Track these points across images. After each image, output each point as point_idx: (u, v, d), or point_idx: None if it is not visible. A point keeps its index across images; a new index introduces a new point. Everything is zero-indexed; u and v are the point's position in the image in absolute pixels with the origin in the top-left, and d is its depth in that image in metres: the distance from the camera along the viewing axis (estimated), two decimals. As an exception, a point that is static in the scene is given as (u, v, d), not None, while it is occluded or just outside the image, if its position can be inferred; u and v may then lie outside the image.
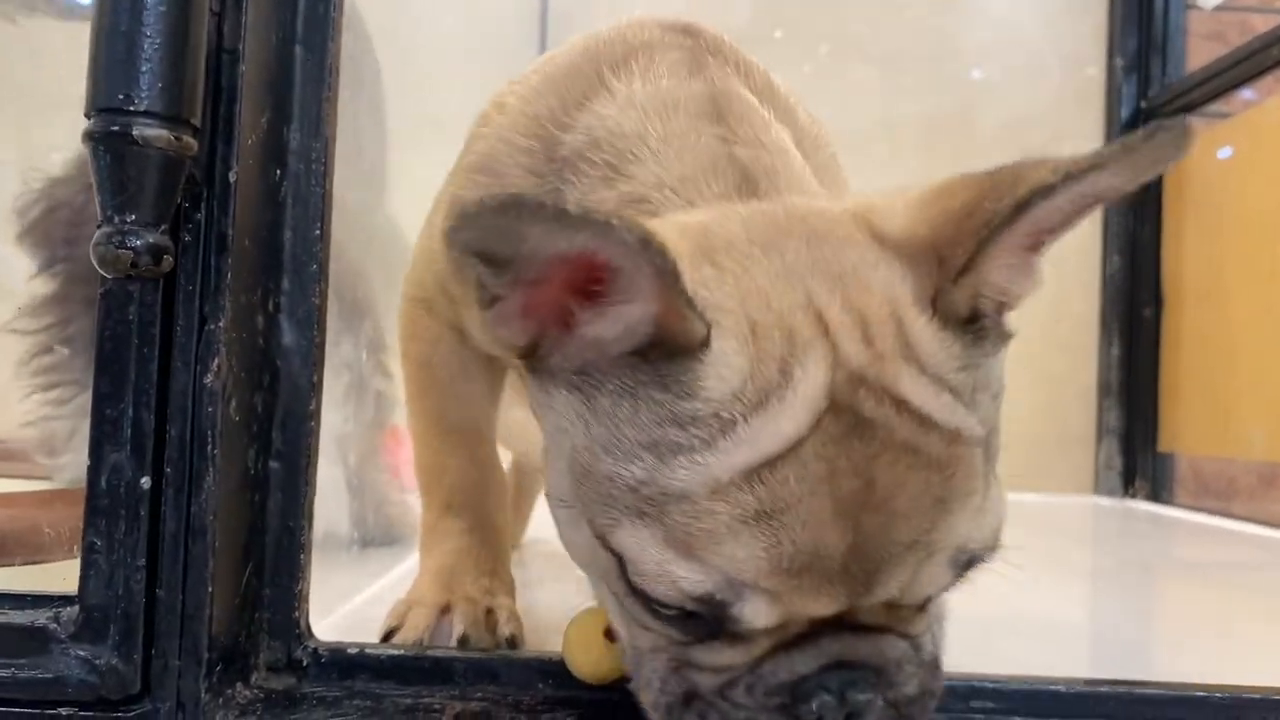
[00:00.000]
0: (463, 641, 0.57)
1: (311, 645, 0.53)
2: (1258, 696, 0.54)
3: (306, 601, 0.54)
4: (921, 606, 0.43)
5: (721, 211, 0.47)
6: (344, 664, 0.53)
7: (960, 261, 0.41)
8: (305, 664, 0.53)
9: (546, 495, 0.48)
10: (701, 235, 0.44)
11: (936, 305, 0.42)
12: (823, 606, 0.41)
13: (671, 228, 0.44)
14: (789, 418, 0.39)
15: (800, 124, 0.61)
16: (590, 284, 0.40)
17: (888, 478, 0.40)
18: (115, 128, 0.44)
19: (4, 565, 0.62)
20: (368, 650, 0.54)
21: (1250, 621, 0.95)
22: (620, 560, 0.42)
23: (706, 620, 0.41)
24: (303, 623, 0.54)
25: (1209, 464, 1.94)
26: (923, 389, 0.41)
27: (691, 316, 0.40)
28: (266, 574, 0.53)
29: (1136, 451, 1.87)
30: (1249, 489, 1.94)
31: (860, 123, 1.93)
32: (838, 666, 0.42)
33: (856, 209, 0.46)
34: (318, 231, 0.53)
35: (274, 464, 0.53)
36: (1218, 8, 1.83)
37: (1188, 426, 1.80)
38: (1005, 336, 0.46)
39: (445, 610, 0.59)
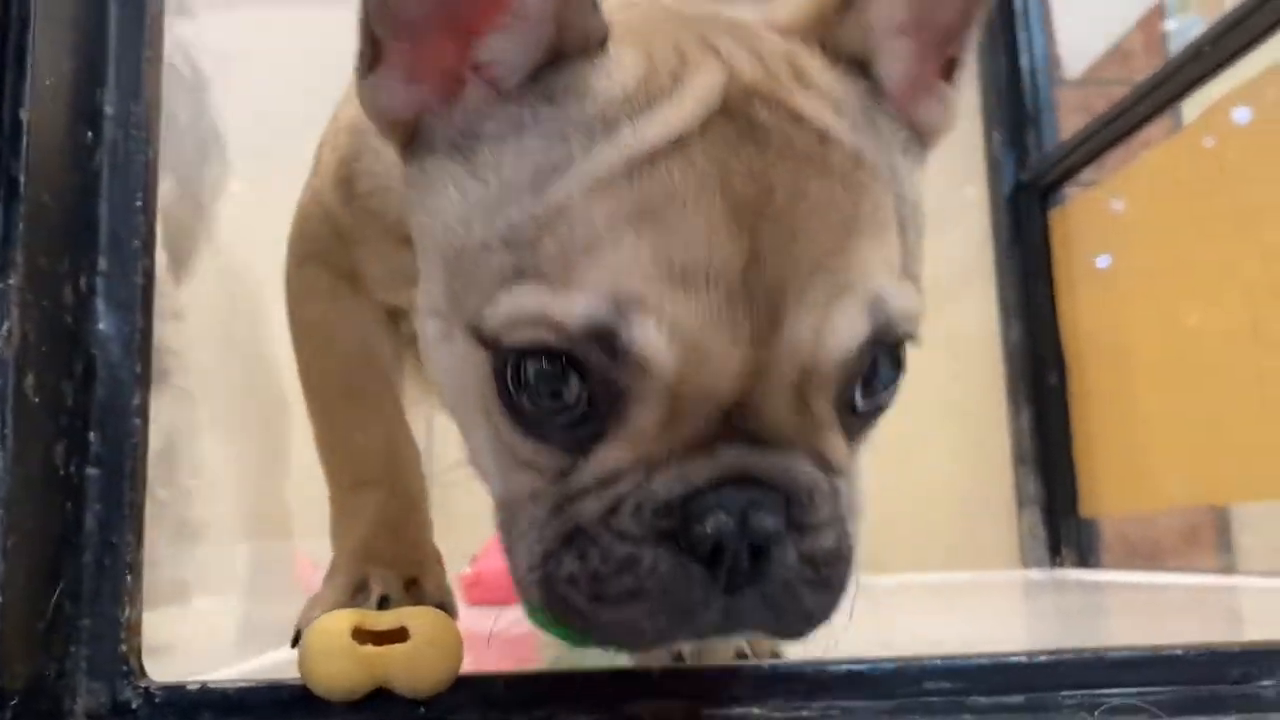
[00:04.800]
0: (383, 602, 0.49)
1: (143, 685, 0.44)
2: (1220, 651, 0.48)
3: (138, 633, 0.45)
4: (843, 399, 0.38)
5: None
6: (184, 704, 0.45)
7: None
8: (135, 706, 0.44)
9: (418, 315, 0.44)
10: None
11: (826, 44, 0.42)
12: (724, 341, 0.35)
13: None
14: (675, 113, 0.37)
15: None
16: (477, 20, 0.39)
17: (787, 184, 0.36)
18: None
19: None
20: (211, 685, 0.45)
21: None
22: (494, 361, 0.38)
23: (584, 380, 0.36)
24: (133, 659, 0.45)
25: (1132, 528, 1.92)
26: (818, 105, 0.39)
27: (592, 15, 0.39)
28: (84, 600, 0.44)
29: (1059, 519, 1.84)
30: (1173, 548, 1.92)
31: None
32: (738, 482, 0.35)
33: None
34: (139, 203, 0.47)
35: (91, 470, 0.45)
36: (1082, 80, 1.90)
37: (1107, 488, 1.79)
38: (920, 144, 0.45)
39: (360, 588, 0.51)
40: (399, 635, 0.43)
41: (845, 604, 0.40)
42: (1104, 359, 1.78)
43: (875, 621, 1.27)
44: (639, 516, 0.36)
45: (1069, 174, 1.86)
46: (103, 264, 0.46)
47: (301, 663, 0.43)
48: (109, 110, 0.47)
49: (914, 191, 0.44)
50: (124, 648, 0.44)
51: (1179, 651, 0.47)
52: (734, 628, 0.38)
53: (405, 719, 0.44)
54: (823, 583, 0.38)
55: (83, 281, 0.45)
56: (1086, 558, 1.83)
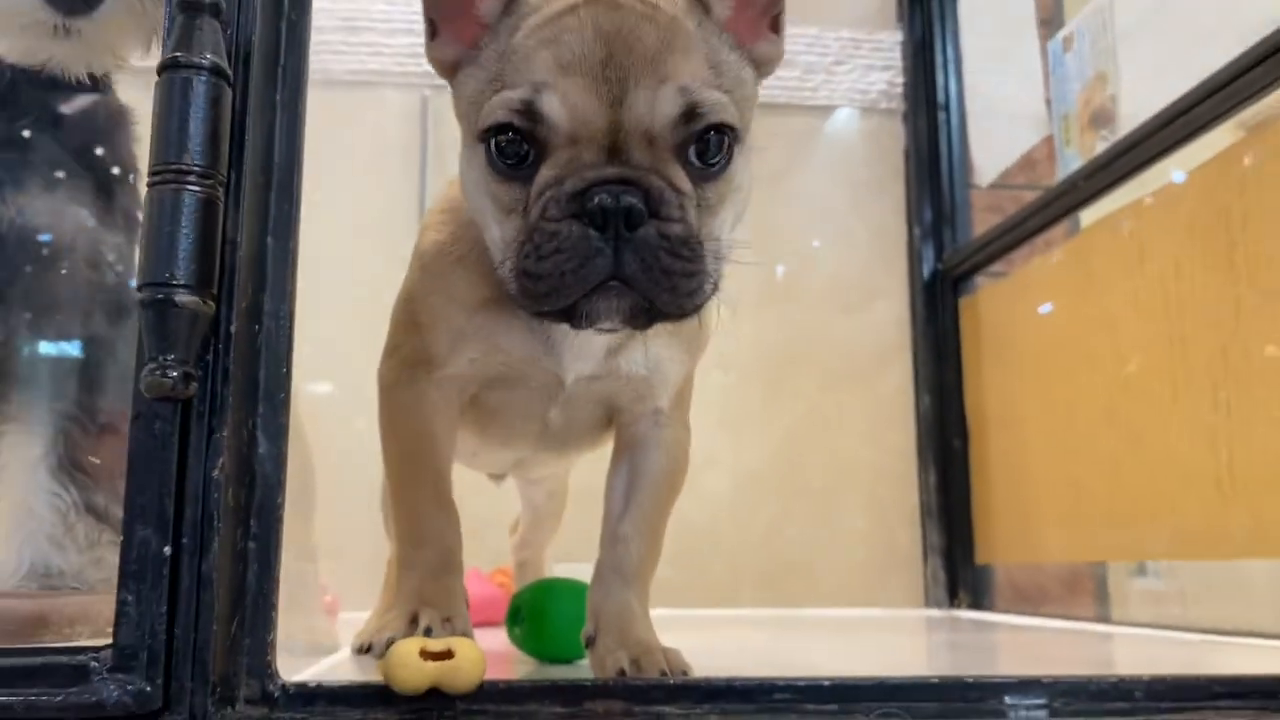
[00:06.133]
0: (427, 633, 0.76)
1: (280, 681, 0.70)
2: (965, 681, 0.75)
3: (275, 650, 0.71)
4: (688, 156, 0.68)
5: None
6: (306, 696, 0.70)
7: None
8: (276, 696, 0.69)
9: (460, 163, 0.77)
10: None
11: None
12: (596, 102, 0.65)
13: None
14: None
15: None
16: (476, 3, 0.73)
17: (631, 22, 0.67)
18: (160, 295, 0.63)
19: (26, 643, 0.77)
20: (324, 683, 0.71)
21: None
22: (487, 148, 0.69)
23: (529, 144, 0.67)
24: (273, 665, 0.70)
25: (1021, 575, 2.20)
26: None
27: None
28: (247, 627, 0.69)
29: (958, 566, 2.11)
30: (1057, 595, 2.20)
31: (704, 287, 2.21)
32: (615, 181, 0.64)
33: None
34: (284, 370, 0.72)
35: (252, 544, 0.70)
36: (992, 185, 2.19)
37: (999, 540, 2.06)
38: (747, 60, 0.74)
39: (414, 620, 0.77)
40: (447, 654, 0.69)
41: (710, 292, 0.68)
42: (999, 429, 2.05)
43: (795, 647, 1.52)
44: (558, 205, 0.65)
45: (977, 267, 2.14)
46: (262, 409, 0.71)
47: (386, 671, 0.69)
48: (267, 308, 0.73)
49: (740, 78, 0.73)
50: (269, 659, 0.70)
51: (935, 680, 0.74)
52: (624, 274, 0.65)
53: (447, 708, 0.70)
54: (681, 257, 0.65)
55: (250, 423, 0.71)
56: (980, 600, 2.09)
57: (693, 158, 0.68)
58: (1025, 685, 0.75)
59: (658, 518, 0.91)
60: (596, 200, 0.63)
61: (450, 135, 2.22)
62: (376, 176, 2.14)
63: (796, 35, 2.31)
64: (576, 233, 0.64)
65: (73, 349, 0.98)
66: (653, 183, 0.65)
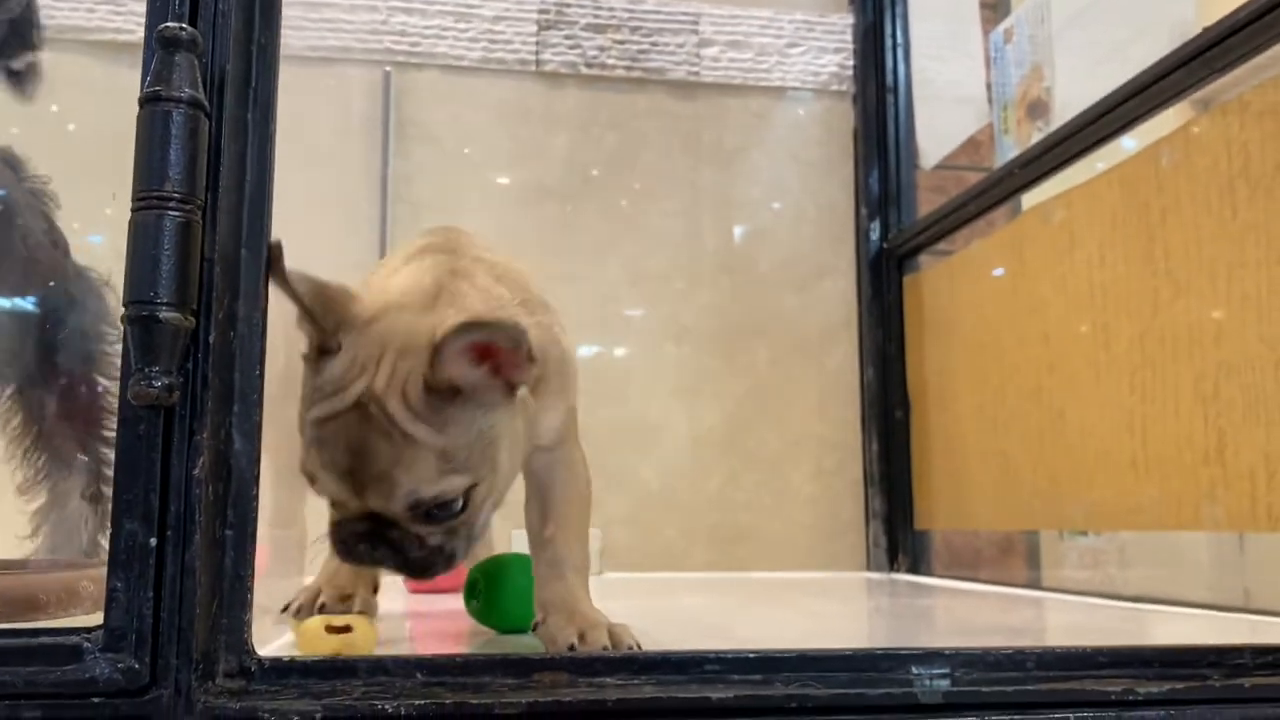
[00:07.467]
0: (324, 609, 0.97)
1: (256, 658, 0.77)
2: (877, 653, 0.83)
3: (250, 627, 0.78)
4: (426, 519, 0.87)
5: (392, 303, 0.92)
6: (280, 669, 0.77)
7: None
8: (252, 670, 0.76)
9: None
10: (371, 308, 0.90)
11: (426, 378, 0.84)
12: (345, 495, 0.87)
13: (372, 292, 0.94)
14: (339, 401, 0.85)
15: (512, 278, 1.02)
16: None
17: (372, 440, 0.84)
18: (145, 312, 0.69)
19: (14, 623, 0.83)
20: (295, 659, 0.78)
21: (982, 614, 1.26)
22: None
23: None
24: (249, 642, 0.77)
25: (958, 539, 2.31)
26: (401, 411, 0.84)
27: (335, 338, 0.87)
28: (225, 608, 0.76)
29: (898, 531, 2.22)
30: (991, 559, 2.31)
31: (662, 261, 2.28)
32: (370, 538, 0.88)
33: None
34: (257, 373, 0.79)
35: (229, 532, 0.77)
36: (937, 167, 2.27)
37: (936, 507, 2.17)
38: (497, 400, 0.89)
39: (316, 596, 0.98)
40: (348, 629, 0.80)
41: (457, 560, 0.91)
42: (938, 402, 2.15)
43: (737, 616, 1.60)
44: (340, 530, 0.89)
45: (921, 247, 2.23)
46: (236, 409, 0.78)
47: (299, 641, 0.79)
48: (241, 315, 0.79)
49: (477, 431, 0.88)
50: (245, 636, 0.77)
51: (848, 652, 0.83)
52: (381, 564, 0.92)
53: (409, 679, 0.77)
54: (428, 567, 0.90)
55: (226, 422, 0.77)
56: (918, 565, 2.20)
57: (434, 512, 0.87)
58: (929, 657, 0.84)
59: (581, 522, 1.02)
60: (360, 548, 0.88)
61: (412, 111, 2.27)
62: (339, 152, 2.18)
63: (752, 17, 2.37)
64: (354, 549, 0.90)
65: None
66: (395, 538, 0.88)
